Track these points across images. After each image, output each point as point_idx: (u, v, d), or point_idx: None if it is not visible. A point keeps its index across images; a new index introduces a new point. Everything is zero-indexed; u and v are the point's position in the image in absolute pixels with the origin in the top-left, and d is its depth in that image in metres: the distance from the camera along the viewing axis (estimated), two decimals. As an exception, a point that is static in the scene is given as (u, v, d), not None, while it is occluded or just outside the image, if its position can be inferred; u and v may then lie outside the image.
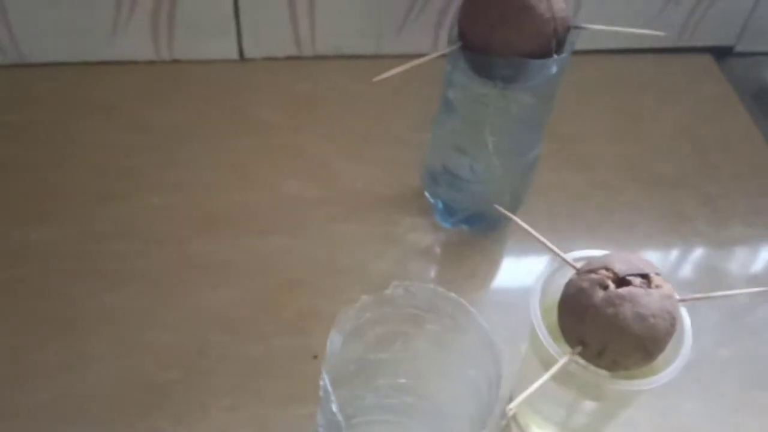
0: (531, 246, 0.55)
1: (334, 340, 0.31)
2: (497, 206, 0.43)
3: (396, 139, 0.61)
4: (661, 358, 0.39)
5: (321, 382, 0.31)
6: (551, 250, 0.40)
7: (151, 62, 0.65)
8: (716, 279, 0.55)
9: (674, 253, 0.56)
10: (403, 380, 0.38)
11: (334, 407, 0.29)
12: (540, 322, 0.38)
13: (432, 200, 0.55)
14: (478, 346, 0.33)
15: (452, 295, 0.33)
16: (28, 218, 0.53)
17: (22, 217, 0.54)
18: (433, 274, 0.54)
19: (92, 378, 0.46)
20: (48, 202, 0.55)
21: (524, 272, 0.54)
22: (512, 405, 0.35)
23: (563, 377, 0.40)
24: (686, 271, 0.55)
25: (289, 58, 0.66)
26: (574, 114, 0.63)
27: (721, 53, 0.71)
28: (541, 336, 0.38)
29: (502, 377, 0.32)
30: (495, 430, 0.46)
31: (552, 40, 0.42)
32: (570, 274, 0.39)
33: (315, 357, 0.48)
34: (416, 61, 0.43)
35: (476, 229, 0.55)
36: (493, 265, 0.54)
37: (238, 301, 0.51)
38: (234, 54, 0.65)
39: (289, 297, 0.51)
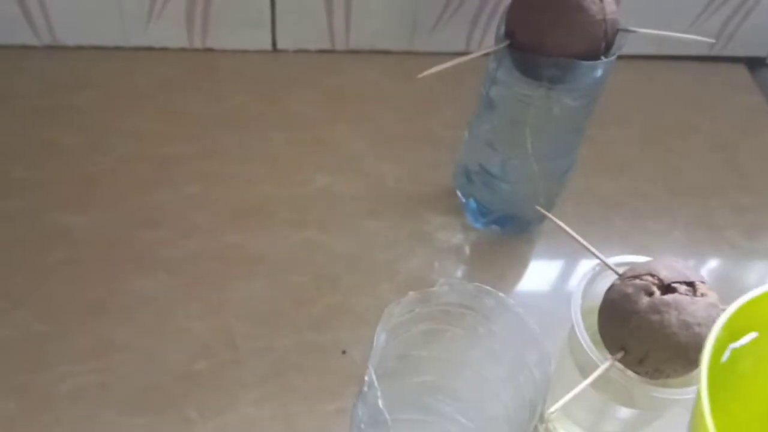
0: (562, 249, 0.55)
1: (380, 336, 0.31)
2: (538, 207, 0.43)
3: (428, 137, 0.61)
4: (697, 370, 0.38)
5: (366, 378, 0.30)
6: (593, 254, 0.40)
7: (184, 50, 0.64)
8: (749, 290, 0.54)
9: (707, 264, 0.56)
10: (443, 380, 0.38)
11: (381, 403, 0.29)
12: (581, 326, 0.38)
13: (464, 200, 0.55)
14: (522, 346, 0.33)
15: (500, 294, 0.33)
16: (61, 203, 0.53)
17: (55, 202, 0.53)
18: (461, 273, 0.54)
19: (120, 365, 0.46)
20: (81, 188, 0.54)
21: (554, 276, 0.54)
22: (554, 408, 0.35)
23: (600, 382, 0.39)
24: (719, 281, 0.54)
25: (321, 51, 0.66)
26: (608, 119, 0.63)
27: (755, 64, 0.71)
28: (582, 340, 0.37)
29: (549, 379, 0.31)
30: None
31: (602, 42, 0.42)
32: (610, 279, 0.39)
33: (343, 352, 0.48)
34: (462, 59, 0.43)
35: (507, 230, 0.54)
36: (523, 268, 0.54)
37: (267, 294, 0.50)
38: (267, 45, 0.65)
39: (318, 292, 0.51)
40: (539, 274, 0.54)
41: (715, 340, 0.26)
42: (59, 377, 0.45)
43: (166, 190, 0.55)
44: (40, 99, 0.60)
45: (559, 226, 0.51)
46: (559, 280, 0.53)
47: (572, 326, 0.39)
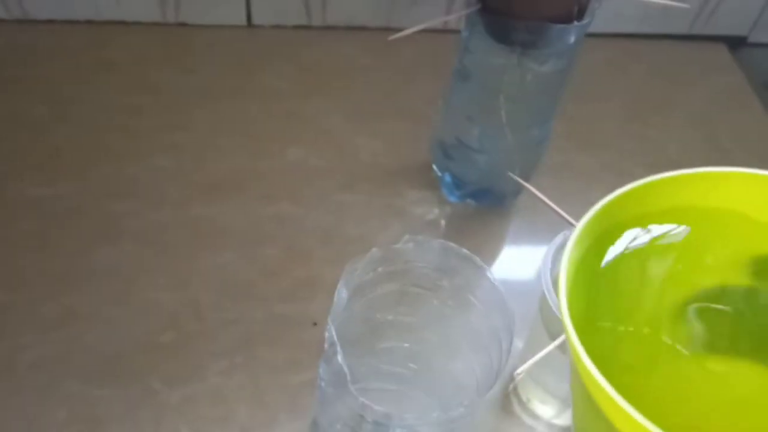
0: (537, 224, 0.54)
1: (341, 291, 0.30)
2: (511, 174, 0.42)
3: (403, 112, 0.60)
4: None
5: (326, 334, 0.30)
6: (565, 220, 0.39)
7: (157, 24, 0.63)
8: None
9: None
10: (407, 345, 0.37)
11: (340, 358, 0.28)
12: (551, 289, 0.37)
13: (440, 173, 0.54)
14: (488, 306, 0.32)
15: (464, 250, 0.32)
16: (27, 175, 0.52)
17: (21, 174, 0.52)
18: (437, 248, 0.53)
19: (85, 335, 0.45)
20: (47, 158, 0.53)
21: (529, 249, 0.53)
22: (521, 369, 0.34)
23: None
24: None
25: (297, 27, 0.65)
26: (586, 96, 0.62)
27: (736, 43, 0.70)
28: (551, 304, 0.37)
29: (513, 337, 0.30)
30: (498, 397, 0.45)
31: (574, 7, 0.41)
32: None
33: (314, 324, 0.47)
34: (432, 21, 0.42)
35: (483, 204, 0.54)
36: (499, 241, 0.53)
37: (237, 266, 0.49)
38: (242, 20, 0.64)
39: (289, 264, 0.50)
40: (514, 248, 0.53)
41: (578, 238, 0.22)
42: (21, 347, 0.44)
43: (135, 161, 0.54)
44: (8, 70, 0.59)
45: (532, 193, 0.50)
46: (534, 254, 0.53)
47: (542, 292, 0.38)
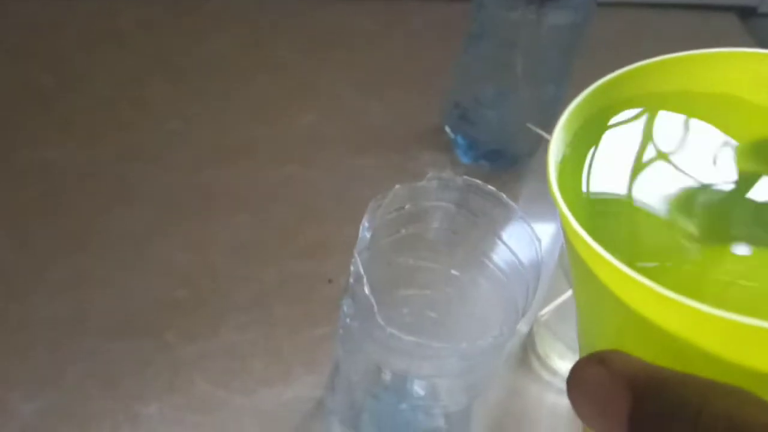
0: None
1: (365, 225, 0.30)
2: (530, 125, 0.42)
3: (414, 79, 0.60)
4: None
5: (352, 267, 0.29)
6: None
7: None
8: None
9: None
10: (428, 292, 0.37)
11: (367, 289, 0.27)
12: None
13: (452, 135, 0.54)
14: (515, 243, 0.32)
15: (489, 187, 0.32)
16: (37, 141, 0.52)
17: (31, 140, 0.52)
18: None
19: (98, 294, 0.44)
20: (58, 126, 0.53)
21: (543, 209, 0.52)
22: (545, 310, 0.34)
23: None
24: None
25: (308, -5, 0.65)
26: (597, 64, 0.62)
27: (747, 13, 0.70)
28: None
29: (542, 272, 0.30)
30: (516, 353, 0.45)
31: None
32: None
33: (330, 281, 0.46)
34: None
35: (496, 165, 0.53)
36: (513, 202, 0.53)
37: (250, 228, 0.49)
38: (252, -12, 0.63)
39: (303, 225, 0.49)
40: (528, 210, 0.53)
41: (569, 118, 0.21)
42: (35, 306, 0.43)
43: (146, 128, 0.53)
44: (17, 40, 0.58)
45: (545, 154, 0.49)
46: (548, 214, 0.52)
47: (562, 243, 0.38)
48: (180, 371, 0.42)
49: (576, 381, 0.16)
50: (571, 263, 0.20)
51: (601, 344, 0.18)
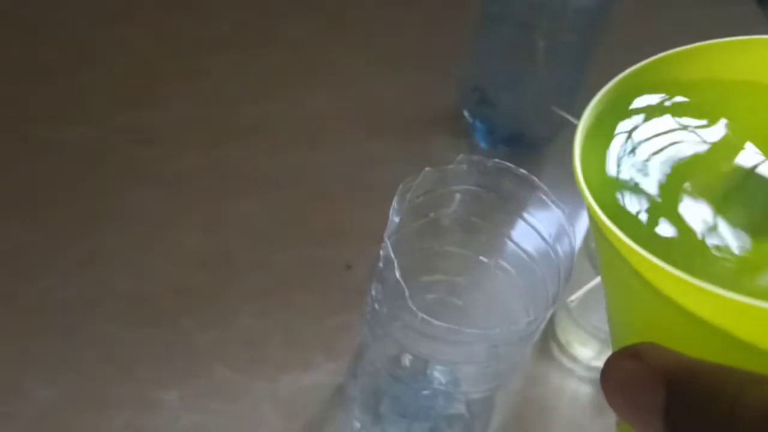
0: (571, 169, 0.53)
1: (395, 207, 0.29)
2: (555, 108, 0.41)
3: (429, 60, 0.59)
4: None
5: (382, 252, 0.29)
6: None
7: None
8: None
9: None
10: (455, 278, 0.36)
11: (398, 273, 0.27)
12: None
13: (471, 119, 0.53)
14: (546, 228, 0.31)
15: (521, 170, 0.31)
16: (49, 118, 0.51)
17: (42, 117, 0.51)
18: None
19: (113, 277, 0.44)
20: (69, 104, 0.52)
21: (565, 195, 0.52)
22: (574, 296, 0.33)
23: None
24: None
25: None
26: (613, 47, 0.61)
27: (765, 2, 0.69)
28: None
29: (575, 258, 0.30)
30: (537, 341, 0.44)
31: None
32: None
33: (348, 267, 0.46)
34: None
35: (515, 150, 0.53)
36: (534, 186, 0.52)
37: (266, 211, 0.48)
38: (264, -32, 0.62)
39: (319, 209, 0.49)
40: (555, 193, 0.52)
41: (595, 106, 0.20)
42: (49, 287, 0.43)
43: (158, 108, 0.53)
44: (25, 16, 0.57)
45: (564, 139, 0.49)
46: (568, 198, 0.52)
47: (587, 227, 0.37)
48: (198, 357, 0.41)
49: (610, 375, 0.16)
50: (599, 252, 0.20)
51: (633, 336, 0.17)
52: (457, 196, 0.32)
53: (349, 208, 0.49)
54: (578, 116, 0.20)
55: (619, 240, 0.17)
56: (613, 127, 0.21)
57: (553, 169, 0.53)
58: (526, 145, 0.52)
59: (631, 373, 0.15)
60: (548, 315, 0.30)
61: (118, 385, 0.40)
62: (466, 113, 0.53)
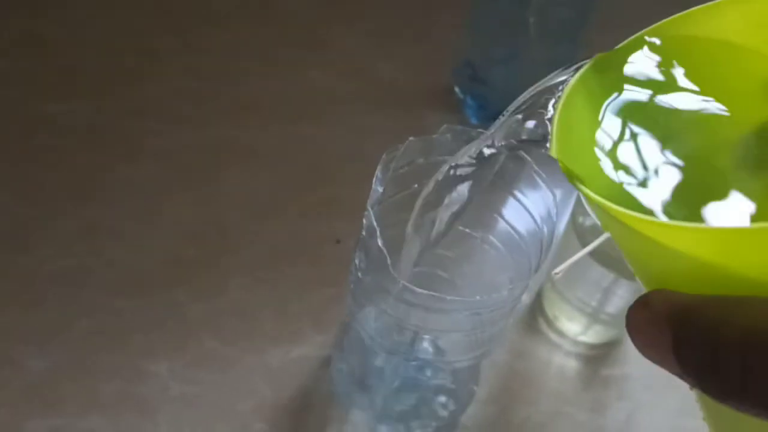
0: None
1: (379, 177, 0.29)
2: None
3: (424, 36, 0.59)
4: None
5: (364, 221, 0.29)
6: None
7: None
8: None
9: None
10: (438, 250, 0.36)
11: (380, 241, 0.27)
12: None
13: (462, 96, 0.53)
14: (530, 200, 0.31)
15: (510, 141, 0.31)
16: (43, 93, 0.51)
17: (37, 92, 0.51)
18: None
19: (108, 248, 0.44)
20: (64, 78, 0.52)
21: (555, 170, 0.52)
22: (558, 269, 0.33)
23: (605, 256, 0.38)
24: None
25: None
26: (608, 24, 0.61)
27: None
28: (587, 208, 0.36)
29: (558, 224, 0.30)
30: (524, 315, 0.45)
31: None
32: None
33: (338, 242, 0.46)
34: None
35: (507, 127, 0.53)
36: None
37: (260, 185, 0.49)
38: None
39: (312, 183, 0.49)
40: (541, 169, 0.52)
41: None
42: (42, 259, 0.43)
43: (154, 82, 0.53)
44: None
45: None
46: (559, 174, 0.52)
47: (576, 199, 0.38)
48: (189, 329, 0.42)
49: (629, 324, 0.18)
50: (599, 219, 0.20)
51: (648, 284, 0.19)
52: (443, 167, 0.32)
53: (340, 183, 0.49)
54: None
55: (599, 202, 0.18)
56: (607, 86, 0.22)
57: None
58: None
59: (643, 321, 0.17)
60: (530, 283, 0.30)
61: (108, 355, 0.40)
62: (457, 89, 0.53)
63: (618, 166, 0.20)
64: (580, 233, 0.39)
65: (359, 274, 0.30)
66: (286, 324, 0.43)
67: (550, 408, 0.42)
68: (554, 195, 0.31)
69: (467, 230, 0.35)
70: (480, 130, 0.31)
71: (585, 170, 0.20)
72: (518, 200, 0.32)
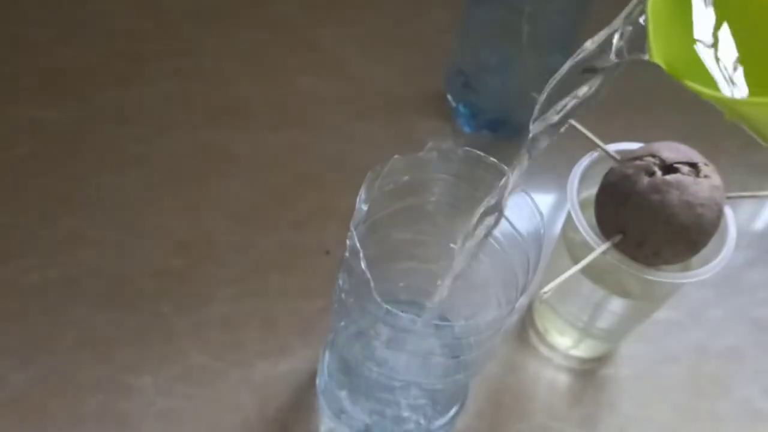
0: (554, 155, 0.52)
1: (362, 197, 0.29)
2: (534, 94, 0.40)
3: (415, 41, 0.58)
4: (696, 259, 0.36)
5: (348, 241, 0.28)
6: (593, 141, 0.38)
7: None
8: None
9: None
10: (424, 266, 0.36)
11: (363, 264, 0.27)
12: (577, 207, 0.36)
13: (454, 104, 0.52)
14: (517, 216, 0.31)
15: (490, 159, 0.31)
16: (27, 97, 0.50)
17: (21, 96, 0.50)
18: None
19: (91, 259, 0.44)
20: (49, 82, 0.51)
21: (546, 181, 0.52)
22: (547, 288, 0.33)
23: (595, 272, 0.38)
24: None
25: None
26: (600, 29, 0.60)
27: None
28: (577, 223, 0.35)
29: (542, 247, 0.29)
30: (515, 329, 0.44)
31: None
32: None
33: (327, 253, 0.46)
34: None
35: (499, 135, 0.52)
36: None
37: (247, 193, 0.48)
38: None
39: (301, 192, 0.48)
40: (530, 181, 0.52)
41: None
42: (25, 270, 0.43)
43: (140, 86, 0.52)
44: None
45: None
46: (548, 184, 0.51)
47: (567, 214, 0.37)
48: (174, 342, 0.41)
49: None
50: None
51: None
52: (427, 184, 0.32)
53: (330, 192, 0.49)
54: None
55: (722, 99, 0.20)
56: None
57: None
58: (510, 129, 0.52)
59: None
60: (517, 305, 0.30)
61: (93, 368, 0.40)
62: (449, 97, 0.52)
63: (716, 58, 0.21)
64: (570, 248, 0.38)
65: (342, 294, 0.29)
66: (274, 337, 0.42)
67: (540, 423, 0.41)
68: (541, 214, 0.30)
69: (453, 246, 0.35)
70: (466, 148, 0.31)
71: (688, 68, 0.21)
72: (504, 216, 0.32)
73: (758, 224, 0.53)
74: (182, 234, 0.45)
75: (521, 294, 0.30)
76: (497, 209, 0.28)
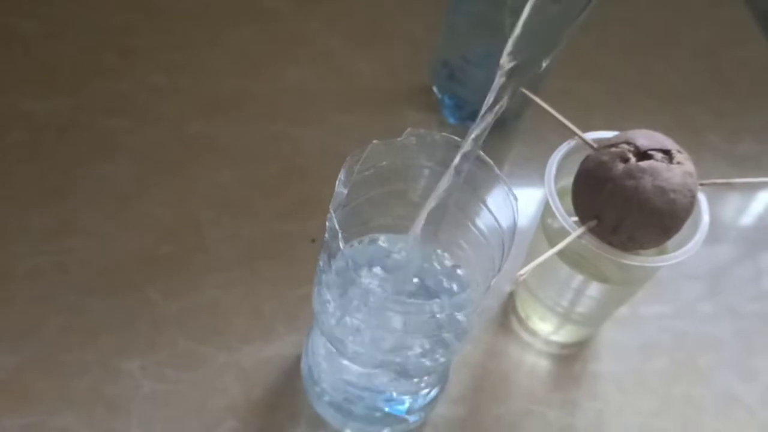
0: (537, 149, 0.53)
1: (342, 180, 0.29)
2: (522, 89, 0.41)
3: (405, 36, 0.59)
4: (671, 243, 0.37)
5: (327, 223, 0.29)
6: (570, 129, 0.39)
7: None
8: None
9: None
10: (404, 252, 0.37)
11: (342, 244, 0.27)
12: (554, 193, 0.37)
13: (440, 95, 0.53)
14: (493, 202, 0.31)
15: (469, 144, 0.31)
16: (17, 87, 0.51)
17: (11, 86, 0.51)
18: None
19: (80, 247, 0.44)
20: (39, 73, 0.52)
21: (530, 173, 0.52)
22: (523, 271, 0.34)
23: (573, 258, 0.38)
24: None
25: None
26: (590, 25, 0.61)
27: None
28: (554, 209, 0.36)
29: (515, 234, 0.30)
30: (496, 314, 0.45)
31: None
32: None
33: (313, 241, 0.46)
34: None
35: (484, 127, 0.53)
36: (499, 163, 0.53)
37: (235, 183, 0.49)
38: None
39: (287, 182, 0.49)
40: (514, 173, 0.53)
41: None
42: (15, 257, 0.43)
43: (130, 79, 0.53)
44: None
45: (532, 116, 0.49)
46: (532, 176, 0.52)
47: (546, 201, 0.38)
48: (162, 327, 0.42)
49: None
50: None
51: None
52: (409, 171, 0.32)
53: (316, 182, 0.49)
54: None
55: None
56: None
57: (520, 145, 0.54)
58: (495, 122, 0.53)
59: None
60: (491, 285, 0.31)
61: (81, 352, 0.40)
62: (434, 89, 0.53)
63: None
64: (549, 235, 0.39)
65: (323, 275, 0.30)
66: (259, 322, 0.43)
67: (521, 407, 0.42)
68: (516, 199, 0.31)
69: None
70: (444, 134, 0.31)
71: None
72: (485, 204, 0.33)
73: (745, 219, 0.54)
74: (170, 222, 0.46)
75: (496, 273, 0.31)
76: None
